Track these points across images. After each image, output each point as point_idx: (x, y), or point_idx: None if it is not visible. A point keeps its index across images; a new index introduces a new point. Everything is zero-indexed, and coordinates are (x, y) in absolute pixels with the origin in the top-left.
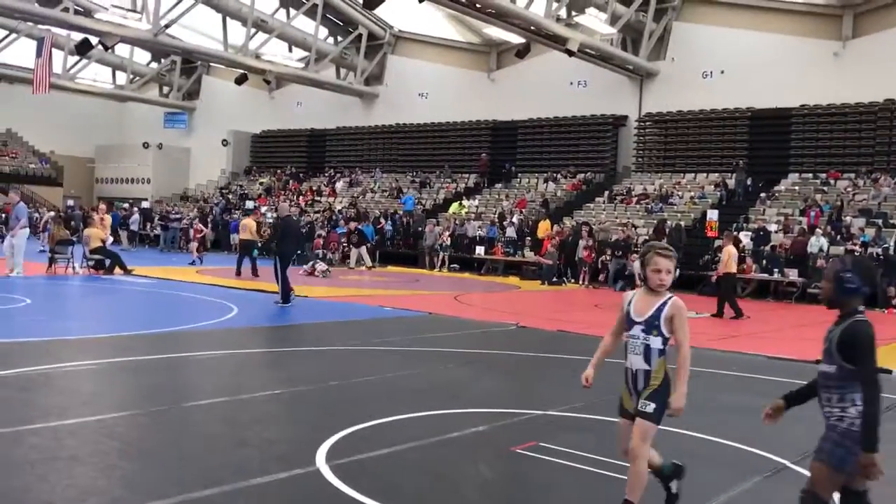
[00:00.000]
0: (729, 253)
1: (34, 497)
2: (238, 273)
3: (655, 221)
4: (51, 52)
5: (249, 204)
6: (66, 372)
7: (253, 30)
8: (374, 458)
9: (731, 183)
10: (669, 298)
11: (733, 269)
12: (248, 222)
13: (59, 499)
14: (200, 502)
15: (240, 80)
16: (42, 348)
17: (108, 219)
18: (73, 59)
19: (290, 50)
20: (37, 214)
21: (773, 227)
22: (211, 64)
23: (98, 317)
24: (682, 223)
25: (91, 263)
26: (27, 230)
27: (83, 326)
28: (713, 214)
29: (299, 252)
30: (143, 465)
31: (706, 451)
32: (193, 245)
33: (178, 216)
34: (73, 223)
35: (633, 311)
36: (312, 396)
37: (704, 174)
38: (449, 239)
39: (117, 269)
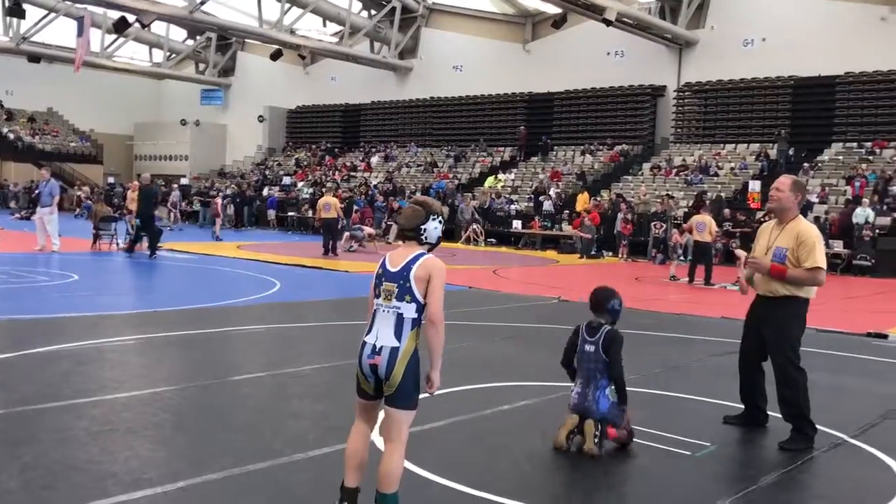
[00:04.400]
0: (702, 221)
1: (99, 468)
2: (326, 252)
3: (695, 193)
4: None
5: (286, 180)
6: (117, 346)
7: (287, 5)
8: (429, 431)
9: (773, 153)
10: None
11: (707, 238)
12: (333, 200)
13: (122, 470)
14: (259, 474)
15: (275, 56)
16: (92, 323)
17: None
18: (110, 37)
19: (325, 24)
20: (79, 193)
21: (813, 198)
22: (246, 40)
23: (143, 292)
24: (723, 195)
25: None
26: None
27: (130, 301)
28: (755, 185)
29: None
30: (198, 438)
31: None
32: (219, 222)
33: (216, 193)
34: (114, 200)
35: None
36: None
37: (745, 145)
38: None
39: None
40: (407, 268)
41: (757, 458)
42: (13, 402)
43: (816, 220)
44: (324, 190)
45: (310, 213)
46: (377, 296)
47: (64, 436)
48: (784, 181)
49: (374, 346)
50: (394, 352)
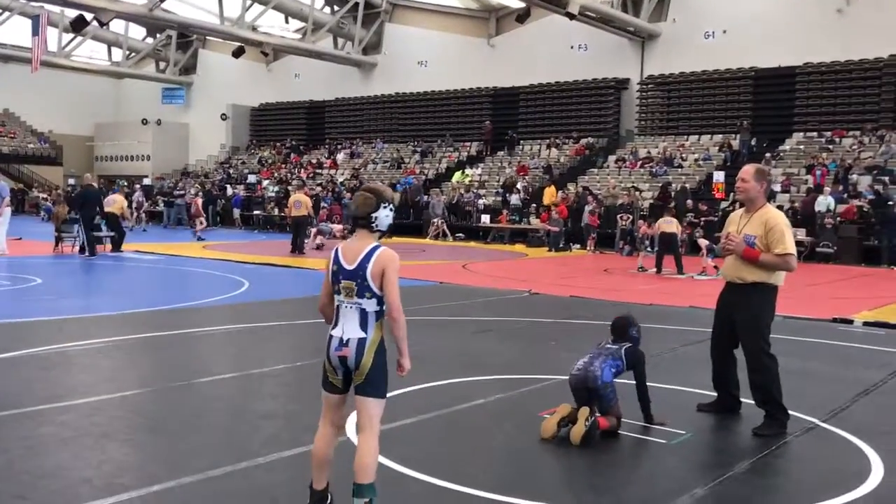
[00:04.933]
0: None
1: (73, 475)
2: (294, 250)
3: (660, 185)
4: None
5: (251, 178)
6: (84, 350)
7: (248, 1)
8: (403, 427)
9: (736, 144)
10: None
11: (673, 229)
12: (303, 198)
13: (97, 475)
14: (236, 476)
15: (237, 53)
16: (56, 327)
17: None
18: (67, 36)
19: (287, 21)
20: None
21: (777, 188)
22: (207, 38)
23: (109, 294)
24: (688, 186)
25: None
26: (9, 209)
27: (95, 304)
28: (719, 176)
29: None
30: (173, 440)
31: (741, 411)
32: (200, 222)
33: (181, 192)
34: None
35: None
36: None
37: (708, 136)
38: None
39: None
40: (362, 266)
41: (731, 444)
42: None
43: (780, 208)
44: (291, 188)
45: (276, 211)
46: (337, 293)
47: (32, 443)
48: (748, 170)
49: (342, 338)
50: (361, 342)
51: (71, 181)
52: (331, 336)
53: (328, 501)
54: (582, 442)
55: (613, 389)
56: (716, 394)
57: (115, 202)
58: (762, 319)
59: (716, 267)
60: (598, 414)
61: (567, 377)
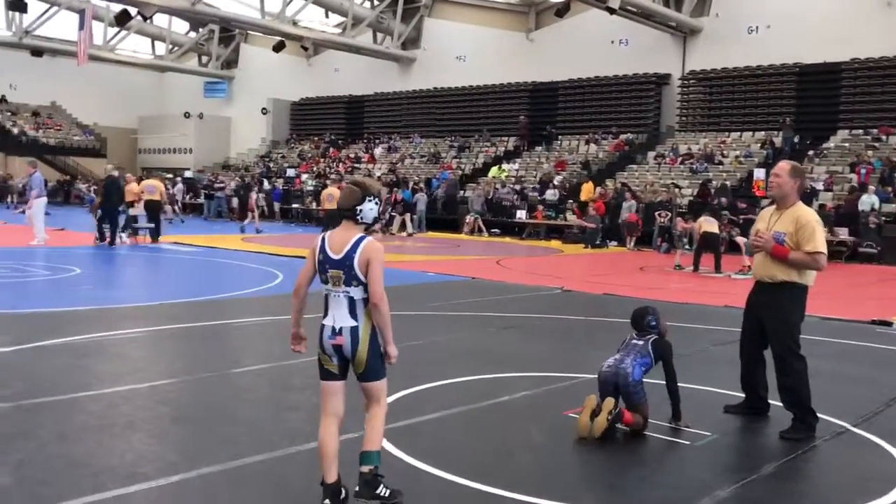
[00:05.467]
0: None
1: (96, 462)
2: None
3: (700, 182)
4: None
5: (290, 172)
6: (117, 340)
7: None
8: (426, 422)
9: (778, 141)
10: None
11: (714, 229)
12: (335, 192)
13: (119, 464)
14: (253, 467)
15: (277, 48)
16: (93, 316)
17: (132, 188)
18: (112, 30)
19: (327, 16)
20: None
21: (819, 186)
22: (249, 32)
23: (146, 285)
24: (728, 183)
25: (129, 232)
26: (44, 199)
27: (132, 295)
28: (760, 174)
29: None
30: (195, 431)
31: (769, 413)
32: (253, 216)
33: (221, 185)
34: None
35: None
36: None
37: (750, 132)
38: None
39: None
40: (349, 256)
41: (757, 447)
42: (10, 397)
43: (822, 207)
44: (328, 182)
45: (314, 205)
46: (325, 282)
47: (61, 430)
48: (783, 167)
49: (334, 327)
50: (354, 330)
51: (115, 173)
52: (322, 325)
53: (343, 496)
54: (603, 434)
55: (643, 388)
56: (744, 395)
57: (156, 189)
58: (791, 320)
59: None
60: (622, 406)
61: (596, 375)
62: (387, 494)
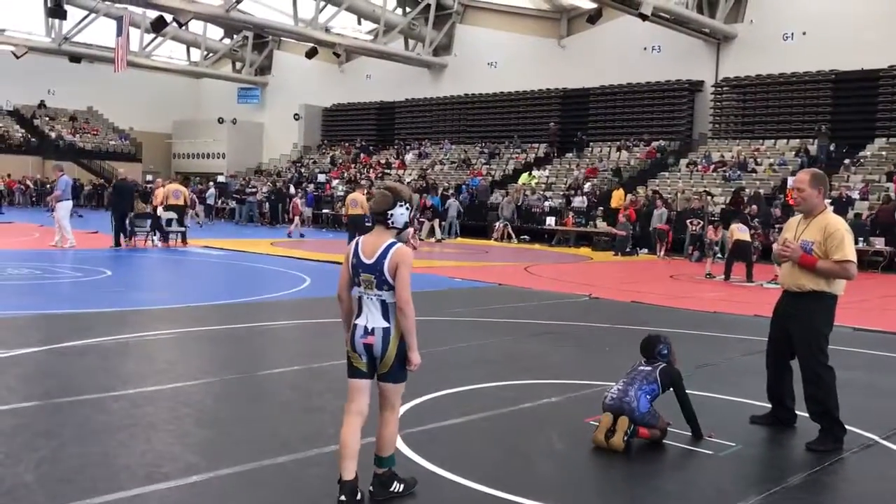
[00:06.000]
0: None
1: (117, 462)
2: None
3: (733, 189)
4: (128, 30)
5: (321, 178)
6: (144, 341)
7: (322, 3)
8: (446, 428)
9: (813, 149)
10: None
11: (746, 237)
12: (359, 197)
13: (138, 464)
14: (273, 469)
15: (310, 54)
16: (122, 318)
17: (159, 192)
18: (148, 36)
19: (359, 22)
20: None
21: (855, 195)
22: (282, 38)
23: (175, 288)
24: (762, 191)
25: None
26: (69, 202)
27: (160, 297)
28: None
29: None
30: (217, 433)
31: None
32: (297, 221)
33: (253, 190)
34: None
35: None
36: None
37: (784, 140)
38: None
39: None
40: (379, 262)
41: (783, 458)
42: (36, 396)
43: (858, 216)
44: (355, 186)
45: (343, 210)
46: (357, 284)
47: (83, 430)
48: (802, 178)
49: (366, 327)
50: (386, 331)
51: (149, 177)
52: (355, 325)
53: (359, 497)
54: (619, 448)
55: (652, 413)
56: (770, 406)
57: (181, 193)
58: (819, 330)
59: None
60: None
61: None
62: (401, 489)
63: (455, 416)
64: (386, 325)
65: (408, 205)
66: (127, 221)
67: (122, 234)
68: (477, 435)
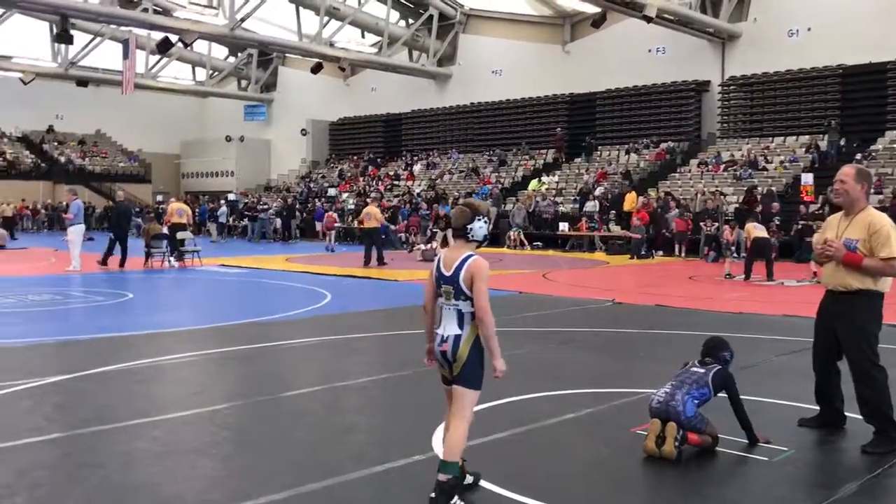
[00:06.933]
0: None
1: (165, 490)
2: (367, 262)
3: (745, 188)
4: (135, 52)
5: (331, 192)
6: (174, 364)
7: (326, 18)
8: (492, 442)
9: (824, 144)
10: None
11: (764, 234)
12: (373, 210)
13: (188, 490)
14: (322, 493)
15: (315, 70)
16: (149, 341)
17: (172, 209)
18: (154, 58)
19: (363, 36)
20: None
21: None
22: (286, 55)
23: (197, 308)
24: (774, 189)
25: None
26: (82, 226)
27: (184, 318)
28: (808, 178)
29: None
30: (259, 455)
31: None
32: (332, 234)
33: (265, 207)
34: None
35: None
36: (415, 380)
37: (794, 137)
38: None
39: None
40: (456, 273)
41: (839, 462)
42: (74, 425)
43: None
44: (368, 200)
45: (354, 224)
46: (439, 295)
47: (126, 458)
48: (848, 171)
49: (443, 335)
50: (457, 338)
51: (159, 198)
52: (436, 334)
53: (469, 481)
54: (671, 457)
55: (700, 418)
56: (818, 408)
57: (184, 212)
58: (868, 329)
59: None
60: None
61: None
62: None
63: (498, 430)
64: (458, 332)
65: (486, 218)
66: (127, 243)
67: (109, 255)
68: (523, 449)
